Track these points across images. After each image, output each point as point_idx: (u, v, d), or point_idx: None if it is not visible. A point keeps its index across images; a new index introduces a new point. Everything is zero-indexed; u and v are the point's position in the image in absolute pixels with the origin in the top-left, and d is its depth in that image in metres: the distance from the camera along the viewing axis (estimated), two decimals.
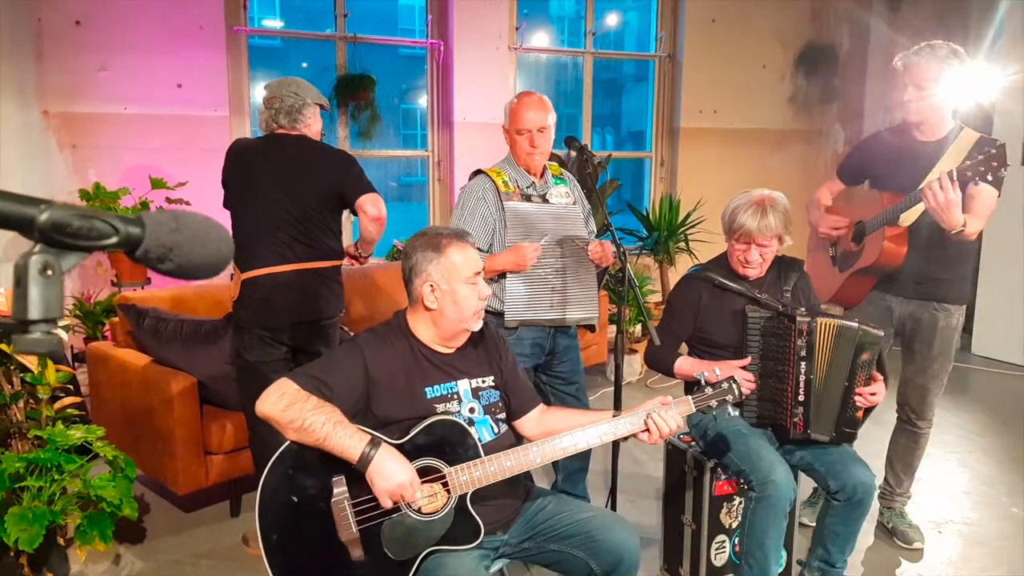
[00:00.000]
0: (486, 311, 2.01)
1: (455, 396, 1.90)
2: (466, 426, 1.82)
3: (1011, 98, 5.04)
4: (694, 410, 1.94)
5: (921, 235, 2.61)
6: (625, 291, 2.51)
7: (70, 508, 2.41)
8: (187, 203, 4.11)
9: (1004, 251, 5.32)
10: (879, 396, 2.34)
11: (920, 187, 2.46)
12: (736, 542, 2.49)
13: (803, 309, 2.36)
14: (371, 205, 2.63)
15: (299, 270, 2.65)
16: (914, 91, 2.57)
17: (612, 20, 18.99)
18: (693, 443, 2.53)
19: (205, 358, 3.00)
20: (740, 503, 2.47)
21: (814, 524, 2.53)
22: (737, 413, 2.10)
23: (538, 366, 2.77)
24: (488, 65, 5.35)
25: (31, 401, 2.64)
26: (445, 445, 1.79)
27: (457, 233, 1.93)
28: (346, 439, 1.68)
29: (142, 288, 4.05)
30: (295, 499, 1.73)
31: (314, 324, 2.73)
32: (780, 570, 2.46)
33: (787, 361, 2.32)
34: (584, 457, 2.90)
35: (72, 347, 4.16)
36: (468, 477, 1.75)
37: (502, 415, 1.98)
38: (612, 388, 2.58)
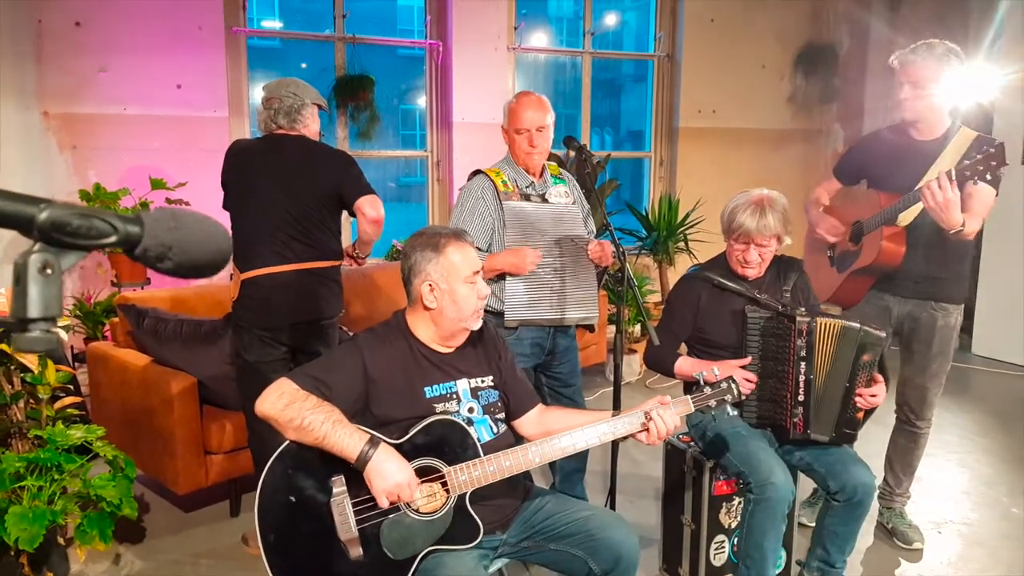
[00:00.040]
0: (486, 311, 2.01)
1: (454, 396, 1.90)
2: (465, 426, 1.82)
3: (1011, 97, 5.04)
4: (693, 410, 1.94)
5: (919, 235, 2.61)
6: (624, 291, 2.51)
7: (70, 508, 2.41)
8: (187, 203, 4.11)
9: (1004, 251, 5.32)
10: (879, 397, 2.33)
11: (918, 187, 2.47)
12: (735, 542, 2.49)
13: (803, 309, 2.36)
14: (370, 207, 2.64)
15: (298, 270, 2.66)
16: (910, 90, 2.57)
17: (611, 20, 18.99)
18: (692, 443, 2.53)
19: (205, 358, 3.00)
20: (739, 503, 2.47)
21: (813, 524, 2.53)
22: (736, 413, 2.10)
23: (538, 366, 2.77)
24: (487, 65, 5.36)
25: (31, 401, 2.64)
26: (444, 445, 1.79)
27: (456, 232, 1.93)
28: (345, 438, 1.68)
29: (142, 288, 4.05)
30: (294, 499, 1.73)
31: (313, 324, 2.73)
32: (779, 570, 2.46)
33: (787, 361, 2.32)
34: (581, 458, 2.90)
35: (72, 347, 4.16)
36: (467, 477, 1.76)
37: (501, 415, 1.98)
38: (611, 388, 2.58)
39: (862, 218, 2.72)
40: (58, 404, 2.64)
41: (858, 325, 2.29)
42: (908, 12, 6.18)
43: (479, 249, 2.36)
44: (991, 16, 5.49)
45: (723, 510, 2.47)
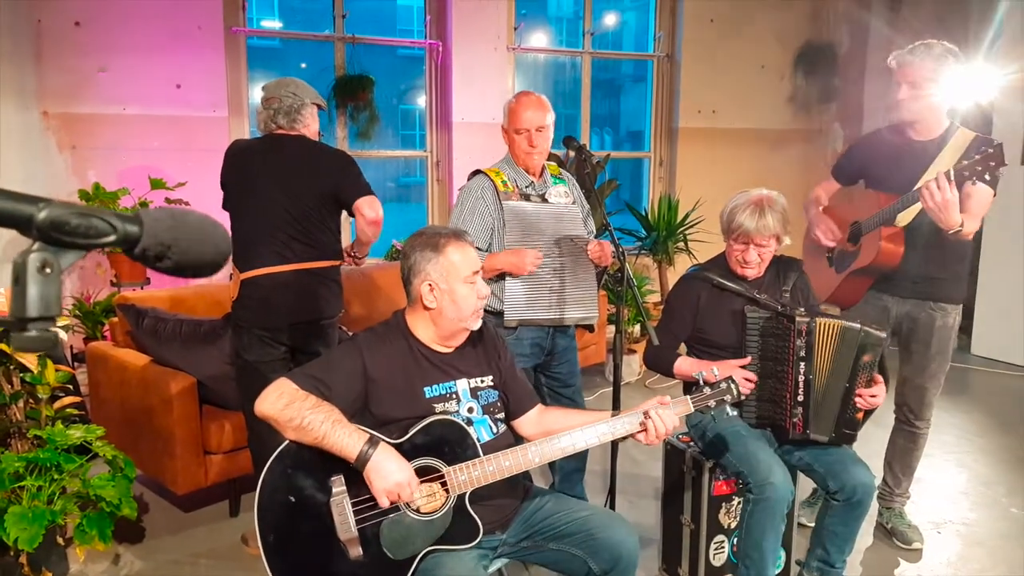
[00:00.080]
0: (485, 311, 2.01)
1: (454, 396, 1.90)
2: (465, 426, 1.82)
3: (1010, 97, 5.04)
4: (692, 410, 1.94)
5: (918, 235, 2.61)
6: (624, 291, 2.51)
7: (69, 508, 2.41)
8: (186, 203, 4.11)
9: (1003, 251, 5.33)
10: (879, 398, 2.33)
11: (917, 187, 2.47)
12: (735, 542, 2.49)
13: (802, 309, 2.36)
14: (368, 208, 2.64)
15: (298, 270, 2.66)
16: (908, 90, 2.57)
17: (610, 20, 19.00)
18: (692, 443, 2.53)
19: (204, 358, 3.00)
20: (739, 503, 2.47)
21: (813, 524, 2.53)
22: (736, 413, 2.10)
23: (537, 366, 2.77)
24: (486, 65, 5.36)
25: (31, 401, 2.64)
26: (444, 445, 1.79)
27: (455, 232, 1.93)
28: (344, 438, 1.68)
29: (141, 288, 4.05)
30: (294, 499, 1.73)
31: (313, 324, 2.73)
32: (779, 570, 2.46)
33: (786, 361, 2.32)
34: (581, 458, 2.90)
35: (72, 347, 4.17)
36: (467, 477, 1.76)
37: (501, 415, 1.98)
38: (611, 388, 2.58)
39: (861, 218, 2.72)
40: (57, 404, 2.64)
41: (858, 326, 2.29)
42: (908, 12, 6.18)
43: (479, 249, 2.36)
44: (991, 17, 5.49)
45: (722, 510, 2.47)
